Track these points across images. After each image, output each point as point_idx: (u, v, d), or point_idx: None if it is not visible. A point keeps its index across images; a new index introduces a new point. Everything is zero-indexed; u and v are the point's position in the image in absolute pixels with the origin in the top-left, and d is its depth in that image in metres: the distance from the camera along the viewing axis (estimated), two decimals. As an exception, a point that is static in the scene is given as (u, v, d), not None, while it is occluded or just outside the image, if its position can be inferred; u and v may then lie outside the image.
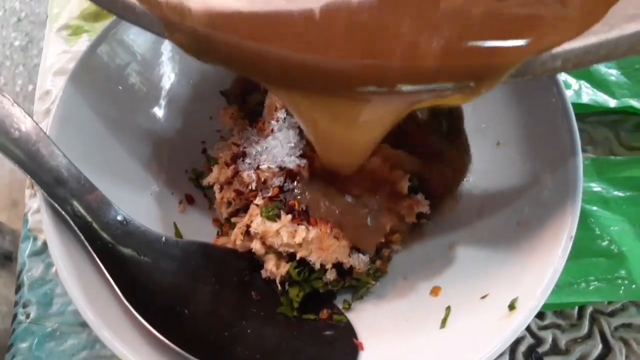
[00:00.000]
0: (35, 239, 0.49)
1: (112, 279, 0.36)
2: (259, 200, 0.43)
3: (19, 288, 0.47)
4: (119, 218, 0.40)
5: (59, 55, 0.59)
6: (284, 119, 0.44)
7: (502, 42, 0.29)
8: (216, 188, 0.45)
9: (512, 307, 0.35)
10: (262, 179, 0.43)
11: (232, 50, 0.30)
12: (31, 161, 0.37)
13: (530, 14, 0.30)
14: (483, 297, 0.38)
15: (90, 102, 0.43)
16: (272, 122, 0.44)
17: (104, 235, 0.38)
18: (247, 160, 0.44)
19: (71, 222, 0.37)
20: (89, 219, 0.38)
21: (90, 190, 0.39)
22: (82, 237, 0.37)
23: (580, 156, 0.38)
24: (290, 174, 0.43)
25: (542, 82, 0.41)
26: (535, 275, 0.35)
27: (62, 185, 0.38)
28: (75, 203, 0.38)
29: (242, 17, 0.30)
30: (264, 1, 0.30)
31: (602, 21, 0.29)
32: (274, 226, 0.41)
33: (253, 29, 0.30)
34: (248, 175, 0.43)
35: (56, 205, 0.37)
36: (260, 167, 0.43)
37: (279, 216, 0.42)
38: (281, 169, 0.43)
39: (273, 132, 0.44)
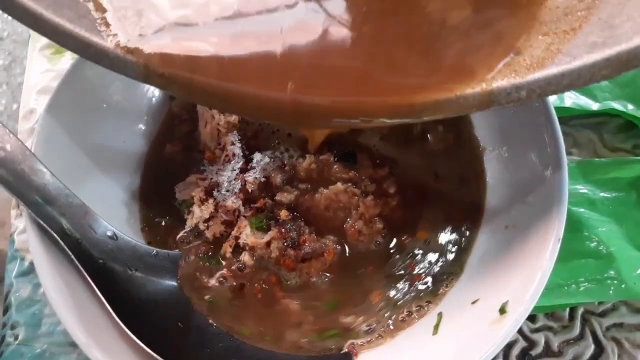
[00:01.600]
0: (22, 259, 0.49)
1: (104, 296, 0.36)
2: (246, 212, 0.43)
3: (6, 310, 0.47)
4: (109, 234, 0.39)
5: (42, 74, 0.58)
6: (239, 139, 0.45)
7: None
8: (203, 227, 0.44)
9: (502, 311, 0.35)
10: (250, 190, 0.43)
11: (211, 93, 0.33)
12: (17, 180, 0.37)
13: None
14: (474, 302, 0.38)
15: (73, 120, 0.43)
16: (229, 146, 0.45)
17: (94, 252, 0.38)
18: (224, 189, 0.44)
19: (60, 241, 0.36)
20: (78, 236, 0.38)
21: (78, 207, 0.39)
22: (72, 256, 0.36)
23: (564, 159, 0.39)
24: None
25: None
26: (525, 278, 0.35)
27: (50, 203, 0.37)
28: (64, 221, 0.37)
29: (219, 61, 0.33)
30: (237, 46, 0.33)
31: (564, 52, 0.30)
32: (263, 238, 0.42)
33: (230, 73, 0.32)
34: (233, 202, 0.43)
35: (44, 225, 0.36)
36: (247, 179, 0.44)
37: (268, 227, 0.42)
38: (267, 179, 0.44)
39: (234, 155, 0.45)
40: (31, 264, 0.48)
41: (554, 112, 0.40)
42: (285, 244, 0.42)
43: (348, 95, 0.32)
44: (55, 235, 0.36)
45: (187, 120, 0.49)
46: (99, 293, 0.36)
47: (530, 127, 0.42)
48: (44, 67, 0.59)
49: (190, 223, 0.44)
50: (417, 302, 0.41)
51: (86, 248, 0.38)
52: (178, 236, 0.44)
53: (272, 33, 0.34)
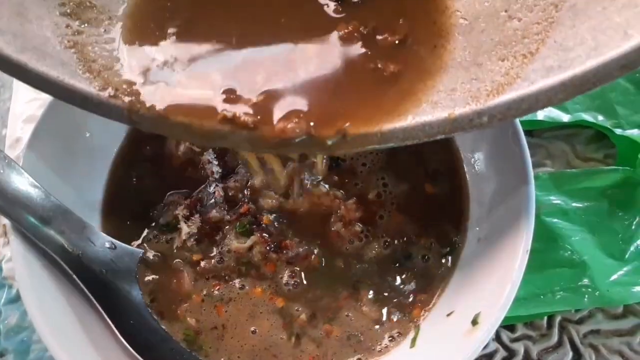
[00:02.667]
0: (10, 286, 0.49)
1: (105, 311, 0.37)
2: (231, 217, 0.45)
3: (-5, 337, 0.47)
4: (107, 244, 0.41)
5: (28, 102, 0.59)
6: (215, 157, 0.47)
7: None
8: (190, 243, 0.45)
9: (474, 322, 0.36)
10: (230, 194, 0.45)
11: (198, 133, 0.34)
12: (10, 206, 0.37)
13: None
14: (449, 315, 0.39)
15: (57, 149, 0.44)
16: (207, 165, 0.47)
17: (95, 265, 0.39)
18: (207, 204, 0.45)
19: (60, 261, 0.37)
20: (78, 251, 0.39)
21: (76, 222, 0.40)
22: (73, 275, 0.38)
23: (531, 174, 0.40)
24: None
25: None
26: (495, 290, 0.37)
27: (47, 223, 0.38)
28: (63, 239, 0.38)
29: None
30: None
31: (522, 77, 0.31)
32: (246, 243, 0.44)
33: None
34: (216, 212, 0.44)
35: (42, 246, 0.37)
36: (227, 185, 0.45)
37: (251, 232, 0.44)
38: (247, 182, 0.46)
39: (213, 173, 0.46)
40: (19, 291, 0.49)
41: (520, 127, 0.42)
42: (267, 247, 0.43)
43: (319, 127, 0.33)
44: (54, 255, 0.37)
45: (157, 140, 0.49)
46: (100, 308, 0.37)
47: (498, 143, 0.43)
48: (30, 95, 0.60)
49: (178, 241, 0.45)
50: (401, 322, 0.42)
51: (86, 262, 0.39)
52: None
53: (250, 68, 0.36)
